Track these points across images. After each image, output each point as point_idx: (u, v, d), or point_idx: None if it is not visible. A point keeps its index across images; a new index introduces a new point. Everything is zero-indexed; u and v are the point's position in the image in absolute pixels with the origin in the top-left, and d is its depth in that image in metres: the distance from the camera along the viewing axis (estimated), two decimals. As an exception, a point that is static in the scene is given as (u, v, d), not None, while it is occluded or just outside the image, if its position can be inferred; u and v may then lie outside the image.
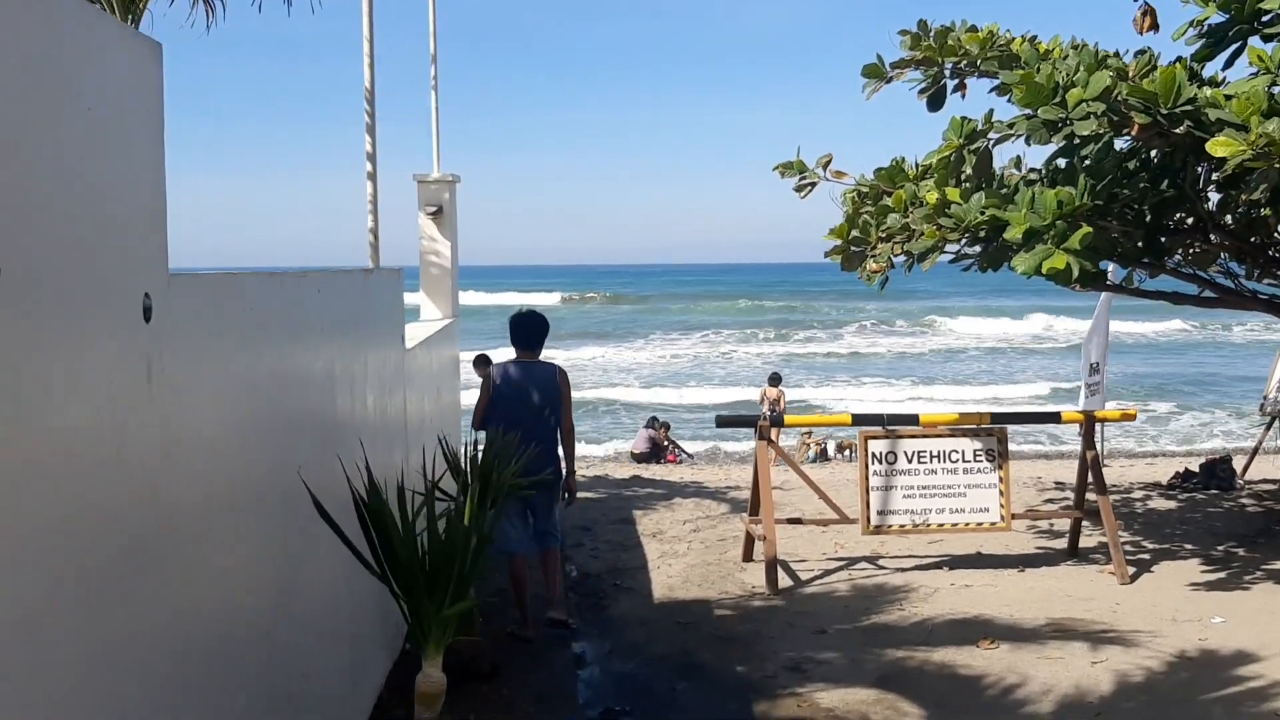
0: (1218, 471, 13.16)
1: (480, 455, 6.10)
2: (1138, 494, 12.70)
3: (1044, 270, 7.31)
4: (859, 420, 9.34)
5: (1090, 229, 7.34)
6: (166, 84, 2.61)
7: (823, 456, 20.45)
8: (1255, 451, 13.84)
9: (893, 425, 9.08)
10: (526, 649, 6.99)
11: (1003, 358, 39.18)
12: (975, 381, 32.90)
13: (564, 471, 7.48)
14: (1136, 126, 6.85)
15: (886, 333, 49.95)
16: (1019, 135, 6.96)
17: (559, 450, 7.43)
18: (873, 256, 8.02)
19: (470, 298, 67.20)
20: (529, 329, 7.48)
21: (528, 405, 7.25)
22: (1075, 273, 7.33)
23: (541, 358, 7.64)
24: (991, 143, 7.26)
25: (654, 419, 20.98)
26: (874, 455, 8.96)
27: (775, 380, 21.33)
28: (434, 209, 10.84)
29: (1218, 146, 6.05)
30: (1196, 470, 13.45)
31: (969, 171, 7.31)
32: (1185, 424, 23.86)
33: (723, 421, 9.54)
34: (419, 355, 7.65)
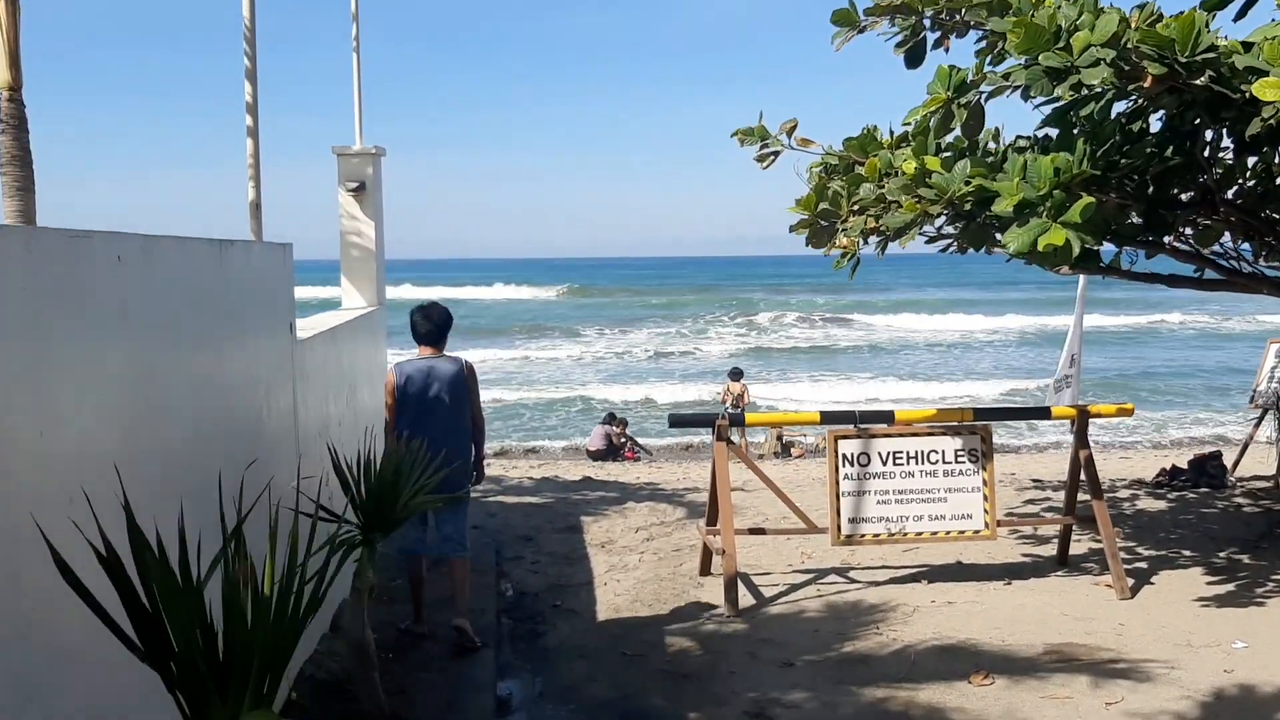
0: (1208, 468, 12.31)
1: (375, 469, 5.06)
2: (1123, 493, 11.83)
3: (1040, 246, 6.35)
4: (828, 418, 8.35)
5: (1092, 199, 6.39)
6: None
7: (785, 453, 19.55)
8: (1245, 446, 13.00)
9: (865, 423, 8.11)
10: (439, 692, 5.94)
11: (951, 355, 38.22)
12: (926, 378, 32.03)
13: (474, 470, 7.00)
14: (1150, 79, 5.89)
15: (816, 325, 49.15)
16: (1016, 87, 5.98)
17: (470, 453, 6.91)
18: (843, 231, 7.05)
19: (431, 292, 66.30)
20: (430, 323, 6.93)
21: (434, 406, 6.72)
22: (1076, 250, 6.38)
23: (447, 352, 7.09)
24: (984, 96, 6.27)
25: (611, 415, 20.08)
26: (845, 457, 7.99)
27: (737, 375, 20.41)
28: (355, 185, 9.75)
29: (1267, 89, 5.10)
30: (1184, 467, 12.61)
31: (957, 130, 6.30)
32: (1157, 418, 23.11)
33: (677, 421, 8.51)
34: (319, 349, 6.58)
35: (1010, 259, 9.91)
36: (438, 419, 6.66)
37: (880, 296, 66.65)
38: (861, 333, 45.63)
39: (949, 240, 8.79)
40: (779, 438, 19.58)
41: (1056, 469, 14.70)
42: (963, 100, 6.19)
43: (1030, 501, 11.30)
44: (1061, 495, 11.73)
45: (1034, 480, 12.95)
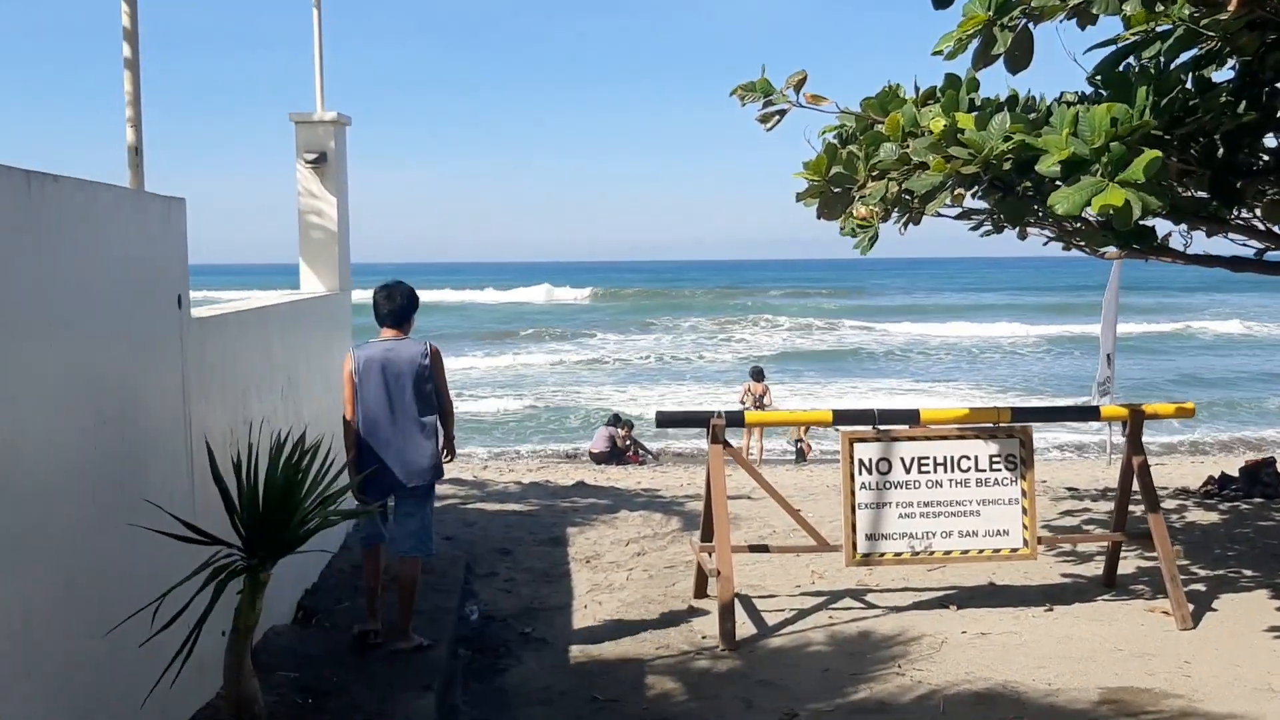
0: (1262, 476, 11.18)
1: (263, 483, 4.01)
2: (1170, 504, 10.68)
3: (1094, 208, 5.25)
4: (843, 418, 7.25)
5: (1158, 153, 5.30)
6: None
7: (800, 457, 18.47)
8: (1303, 452, 11.85)
9: (885, 424, 7.02)
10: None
11: (973, 361, 36.73)
12: (949, 385, 30.81)
13: (445, 450, 6.51)
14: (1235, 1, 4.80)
15: (832, 329, 47.74)
16: (1075, 4, 4.87)
17: (435, 442, 6.32)
18: (861, 199, 5.96)
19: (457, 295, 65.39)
20: (392, 303, 6.39)
21: (394, 392, 6.18)
22: (1136, 212, 5.27)
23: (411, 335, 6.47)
24: (1032, 20, 5.16)
25: (615, 416, 19.04)
26: (861, 463, 6.90)
27: (759, 375, 19.33)
28: (314, 156, 8.70)
29: None
30: (1235, 475, 11.49)
31: (1000, 50, 5.17)
32: (1195, 423, 21.85)
33: (665, 420, 7.42)
34: (231, 332, 5.53)
35: (1047, 242, 8.86)
36: (398, 406, 6.16)
37: (900, 300, 65.47)
38: (880, 337, 44.26)
39: (982, 215, 7.72)
40: (797, 442, 18.54)
41: (1089, 475, 13.59)
42: (1006, 21, 5.08)
43: (1068, 513, 10.19)
44: (1101, 506, 10.65)
45: (1068, 489, 11.83)
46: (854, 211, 5.98)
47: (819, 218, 6.37)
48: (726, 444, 6.96)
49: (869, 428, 6.98)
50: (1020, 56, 5.20)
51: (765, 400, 18.79)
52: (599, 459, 17.86)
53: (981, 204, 7.38)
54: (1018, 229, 8.37)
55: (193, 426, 4.72)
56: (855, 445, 6.91)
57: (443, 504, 10.79)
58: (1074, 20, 5.69)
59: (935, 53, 5.46)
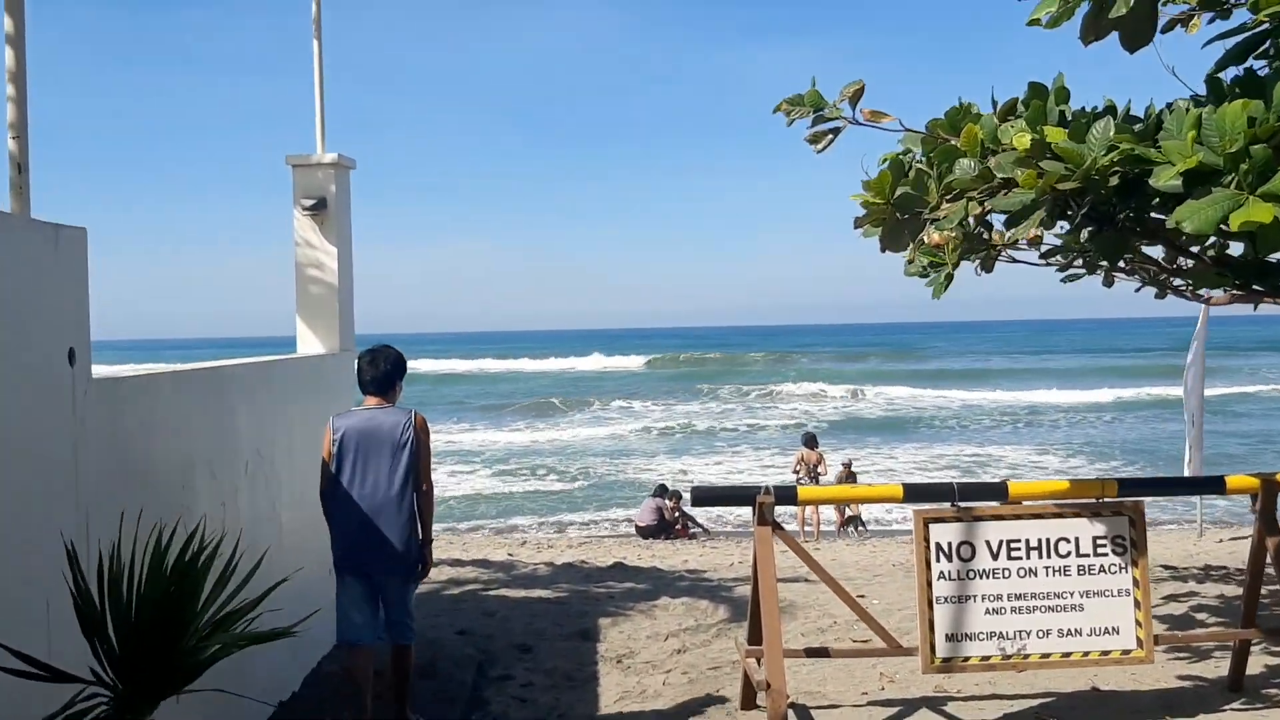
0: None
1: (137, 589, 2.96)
2: (1287, 586, 9.33)
3: (1234, 225, 4.15)
4: (915, 494, 6.07)
5: (1314, 158, 4.20)
6: None
7: (857, 525, 17.23)
8: None
9: (967, 500, 5.85)
10: None
11: (1048, 429, 35.15)
12: (1030, 454, 29.30)
13: (418, 562, 5.81)
14: None
15: (889, 396, 46.12)
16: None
17: (416, 524, 5.73)
18: (934, 224, 4.88)
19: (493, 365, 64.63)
20: (375, 369, 5.87)
21: (371, 467, 5.62)
22: (1289, 231, 4.18)
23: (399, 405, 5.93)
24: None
25: (663, 487, 17.94)
26: (940, 548, 5.73)
27: (812, 441, 18.16)
28: (313, 203, 7.79)
29: None
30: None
31: (1121, 12, 4.08)
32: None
33: (703, 496, 6.30)
34: (165, 398, 4.53)
35: (1140, 287, 7.70)
36: (377, 480, 5.61)
37: (956, 363, 63.90)
38: (938, 401, 42.70)
39: (1073, 254, 6.60)
40: (843, 511, 17.34)
41: (1180, 550, 12.22)
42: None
43: (1172, 598, 8.90)
44: (1209, 589, 9.34)
45: (1164, 567, 10.50)
46: (926, 237, 4.89)
47: (882, 250, 5.30)
48: (777, 525, 5.83)
49: (947, 505, 5.82)
50: (1141, 26, 4.12)
51: (820, 470, 17.62)
52: (645, 532, 16.79)
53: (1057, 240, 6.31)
54: (1104, 273, 7.26)
55: (90, 521, 3.69)
56: (931, 526, 5.74)
57: (462, 589, 9.71)
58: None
59: (1032, 21, 4.39)
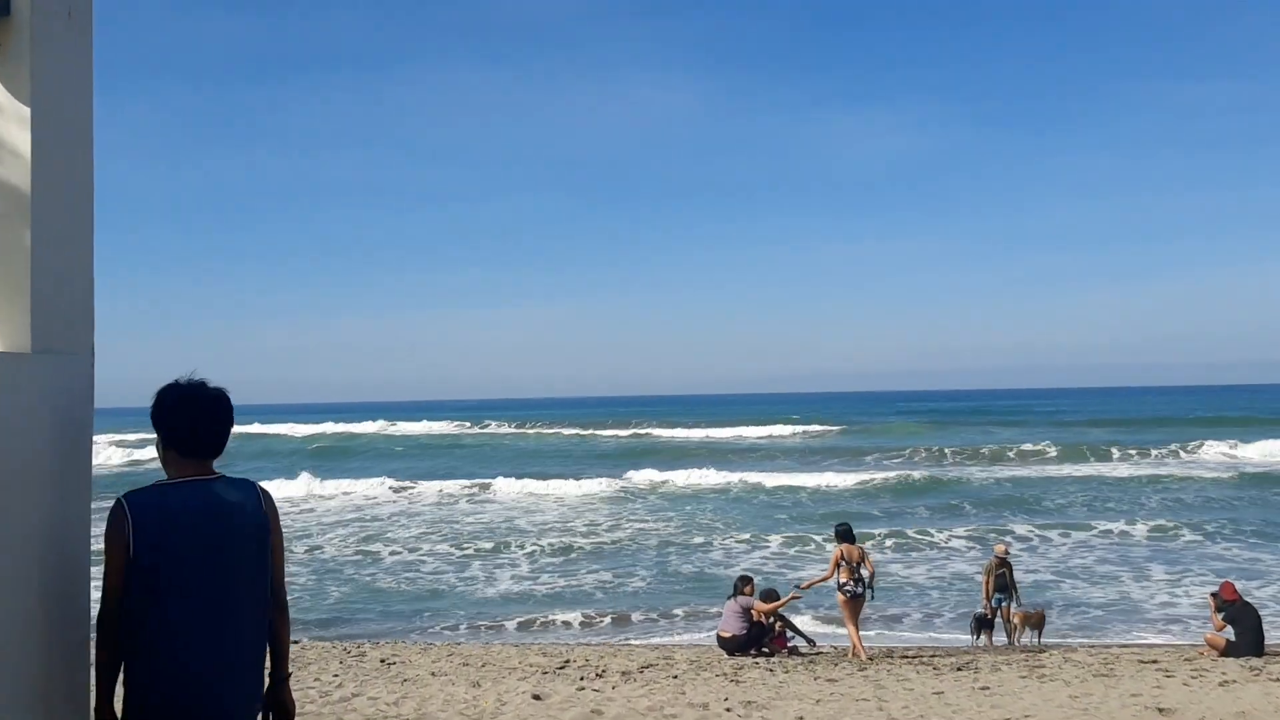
0: None
1: None
2: None
3: None
4: None
5: None
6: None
7: (1037, 627, 14.04)
8: None
9: None
10: None
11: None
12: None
13: (266, 710, 3.78)
14: None
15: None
16: None
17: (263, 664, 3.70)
18: None
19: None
20: (217, 421, 3.68)
21: (218, 577, 3.53)
22: None
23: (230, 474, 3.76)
24: None
25: (744, 579, 14.24)
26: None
27: (847, 535, 14.27)
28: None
29: None
30: None
31: None
32: None
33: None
34: None
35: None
36: (227, 601, 3.57)
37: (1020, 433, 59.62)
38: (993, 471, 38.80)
39: None
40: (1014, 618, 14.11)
41: None
42: None
43: None
44: None
45: None
46: None
47: None
48: None
49: None
50: None
51: (863, 569, 13.89)
52: (731, 646, 13.31)
53: None
54: None
55: None
56: None
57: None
58: None
59: None
